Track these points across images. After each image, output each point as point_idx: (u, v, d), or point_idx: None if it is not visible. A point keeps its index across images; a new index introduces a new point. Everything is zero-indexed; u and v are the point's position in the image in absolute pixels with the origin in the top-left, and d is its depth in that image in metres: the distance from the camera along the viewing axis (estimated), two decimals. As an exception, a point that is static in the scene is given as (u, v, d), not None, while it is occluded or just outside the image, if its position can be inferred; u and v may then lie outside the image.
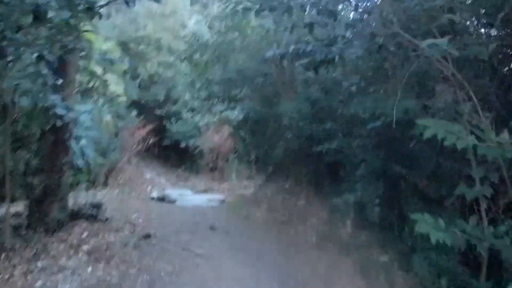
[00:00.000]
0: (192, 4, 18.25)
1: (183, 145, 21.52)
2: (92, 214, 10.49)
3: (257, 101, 13.92)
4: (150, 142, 19.79)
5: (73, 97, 10.33)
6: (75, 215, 10.13)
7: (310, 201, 11.52)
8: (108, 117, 18.13)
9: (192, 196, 18.00)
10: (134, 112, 20.85)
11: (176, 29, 22.74)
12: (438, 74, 5.97)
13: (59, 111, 8.19)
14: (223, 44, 14.18)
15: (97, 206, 11.06)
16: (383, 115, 7.23)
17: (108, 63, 18.55)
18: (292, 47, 7.67)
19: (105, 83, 17.32)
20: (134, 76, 21.47)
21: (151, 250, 9.10)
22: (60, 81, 8.52)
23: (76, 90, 11.42)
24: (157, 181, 20.82)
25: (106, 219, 10.69)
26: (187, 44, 16.13)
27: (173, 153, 23.21)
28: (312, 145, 10.11)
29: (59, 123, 8.48)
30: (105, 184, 18.28)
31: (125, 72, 20.49)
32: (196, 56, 14.98)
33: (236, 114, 18.23)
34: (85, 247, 8.69)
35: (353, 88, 9.37)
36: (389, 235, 7.88)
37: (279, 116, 12.40)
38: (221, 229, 11.34)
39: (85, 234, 9.46)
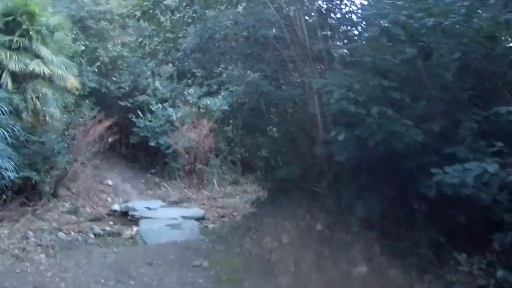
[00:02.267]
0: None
1: (152, 143, 17.62)
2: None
3: (261, 75, 9.16)
4: (110, 140, 15.81)
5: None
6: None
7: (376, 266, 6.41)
8: (53, 110, 14.19)
9: (162, 210, 14.18)
10: (90, 104, 16.96)
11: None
12: None
13: None
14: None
15: None
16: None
17: (55, 41, 14.59)
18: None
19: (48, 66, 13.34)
20: (92, 60, 17.43)
21: None
22: None
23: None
24: (121, 189, 16.92)
25: None
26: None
27: (141, 154, 19.33)
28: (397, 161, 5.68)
29: None
30: (55, 195, 14.39)
31: (79, 55, 16.50)
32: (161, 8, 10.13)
33: (219, 103, 14.17)
34: None
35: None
36: None
37: (304, 100, 8.46)
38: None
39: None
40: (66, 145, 14.35)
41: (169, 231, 11.30)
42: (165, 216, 13.09)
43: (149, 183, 17.84)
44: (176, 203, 15.84)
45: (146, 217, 13.06)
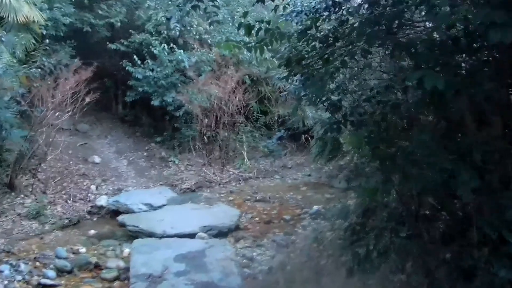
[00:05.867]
0: None
1: (156, 102, 12.33)
2: None
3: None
4: (89, 99, 10.36)
5: None
6: None
7: None
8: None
9: (170, 210, 9.19)
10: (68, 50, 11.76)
11: None
12: None
13: None
14: None
15: None
16: None
17: None
18: None
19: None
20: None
21: None
22: None
23: None
24: (112, 169, 11.87)
25: None
26: None
27: (143, 116, 14.04)
28: None
29: None
30: (11, 187, 9.49)
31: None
32: None
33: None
34: None
35: None
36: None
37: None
38: None
39: None
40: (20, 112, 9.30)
41: (183, 279, 6.15)
42: (175, 227, 8.05)
43: (153, 157, 12.69)
44: (192, 192, 10.78)
45: (143, 232, 8.03)
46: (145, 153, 12.96)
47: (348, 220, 6.85)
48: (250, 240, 7.81)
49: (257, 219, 9.03)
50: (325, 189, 11.01)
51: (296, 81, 6.02)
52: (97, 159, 11.93)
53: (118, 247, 7.96)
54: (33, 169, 10.23)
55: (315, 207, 9.31)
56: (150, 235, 7.80)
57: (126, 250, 7.60)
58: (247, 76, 12.82)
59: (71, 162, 11.40)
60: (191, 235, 7.73)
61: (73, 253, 7.78)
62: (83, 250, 7.87)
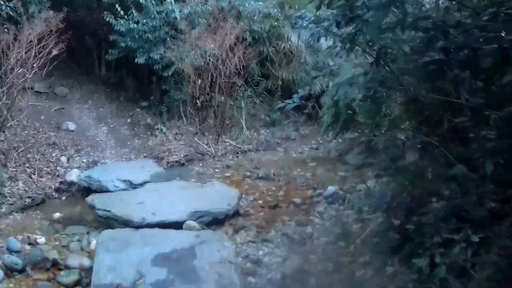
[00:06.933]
0: None
1: (141, 60, 10.54)
2: None
3: None
4: (55, 51, 8.48)
5: None
6: None
7: None
8: None
9: (153, 189, 7.56)
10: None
11: None
12: None
13: None
14: None
15: None
16: None
17: None
18: None
19: None
20: None
21: None
22: None
23: None
24: (89, 137, 10.18)
25: None
26: None
27: (128, 78, 12.20)
28: None
29: None
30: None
31: None
32: None
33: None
34: None
35: None
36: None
37: None
38: None
39: None
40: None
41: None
42: (157, 212, 6.41)
43: (137, 124, 10.95)
44: (182, 166, 9.14)
45: (117, 218, 6.40)
46: (128, 120, 11.22)
47: (382, 209, 5.27)
48: (253, 232, 6.15)
49: (260, 202, 7.35)
50: (336, 165, 9.37)
51: (324, 22, 4.29)
52: (71, 125, 10.20)
53: (85, 237, 6.38)
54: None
55: (330, 188, 7.65)
56: (125, 223, 6.16)
57: (94, 242, 5.98)
58: (247, 33, 11.00)
59: (41, 129, 9.67)
60: (178, 224, 6.08)
61: (30, 244, 6.19)
62: (42, 240, 6.28)
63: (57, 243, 6.27)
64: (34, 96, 10.57)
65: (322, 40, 4.94)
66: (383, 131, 8.13)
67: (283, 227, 6.27)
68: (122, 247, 5.25)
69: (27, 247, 6.10)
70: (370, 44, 4.20)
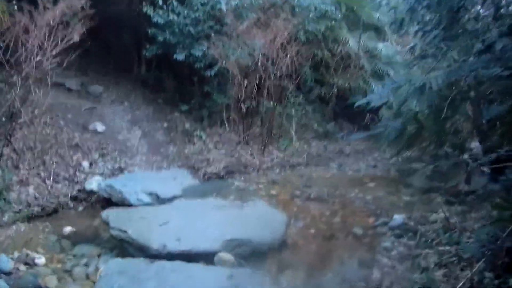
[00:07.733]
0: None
1: (180, 56, 9.35)
2: None
3: None
4: (75, 39, 7.32)
5: None
6: None
7: None
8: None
9: (183, 208, 6.20)
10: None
11: None
12: None
13: None
14: None
15: None
16: None
17: None
18: None
19: None
20: None
21: None
22: None
23: None
24: (118, 141, 9.03)
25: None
26: None
27: (168, 78, 11.04)
28: None
29: None
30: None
31: None
32: None
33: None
34: None
35: None
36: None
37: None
38: None
39: None
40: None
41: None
42: (183, 237, 5.03)
43: (175, 130, 9.76)
44: (220, 179, 7.83)
45: (132, 242, 5.05)
46: (165, 124, 10.03)
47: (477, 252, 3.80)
48: (303, 273, 4.68)
49: (312, 230, 5.90)
50: (399, 187, 7.76)
51: None
52: (100, 127, 9.06)
53: (95, 261, 5.10)
54: (9, 134, 7.45)
55: (396, 217, 6.08)
56: (141, 249, 4.81)
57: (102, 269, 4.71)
58: (301, 32, 9.67)
59: (64, 129, 8.57)
60: (207, 256, 4.65)
61: (26, 264, 4.99)
62: (41, 260, 5.05)
63: (59, 265, 5.03)
64: (65, 93, 9.66)
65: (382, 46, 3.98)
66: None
67: (343, 269, 4.78)
68: (129, 285, 3.93)
69: (22, 267, 4.90)
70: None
